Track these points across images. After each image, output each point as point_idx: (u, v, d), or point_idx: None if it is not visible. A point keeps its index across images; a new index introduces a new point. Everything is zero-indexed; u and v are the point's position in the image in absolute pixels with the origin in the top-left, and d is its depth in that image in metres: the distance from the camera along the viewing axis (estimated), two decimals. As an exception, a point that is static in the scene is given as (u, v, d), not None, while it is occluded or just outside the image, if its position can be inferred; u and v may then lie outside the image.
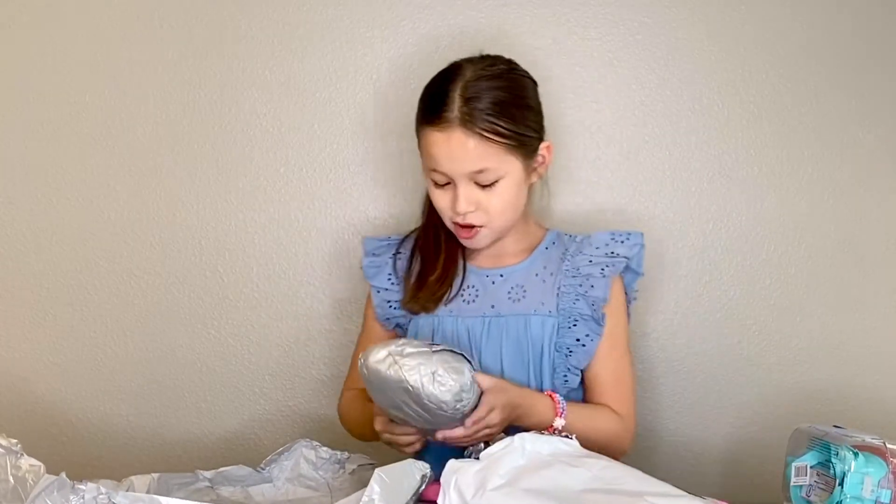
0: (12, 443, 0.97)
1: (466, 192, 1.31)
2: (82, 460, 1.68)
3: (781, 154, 1.68)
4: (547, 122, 1.66)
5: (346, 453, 1.27)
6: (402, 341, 1.17)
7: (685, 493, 1.02)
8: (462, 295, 1.42)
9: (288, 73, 1.67)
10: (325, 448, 1.27)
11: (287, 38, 1.67)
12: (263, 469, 1.25)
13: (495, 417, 1.20)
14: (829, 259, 1.69)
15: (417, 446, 1.26)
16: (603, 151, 1.68)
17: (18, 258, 1.69)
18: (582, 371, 1.39)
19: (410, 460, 1.06)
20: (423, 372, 1.13)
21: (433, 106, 1.31)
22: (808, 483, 1.16)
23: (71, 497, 0.90)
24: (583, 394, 1.42)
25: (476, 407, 1.19)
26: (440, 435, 1.20)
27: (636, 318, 1.69)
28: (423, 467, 1.06)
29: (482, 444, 1.14)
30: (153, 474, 1.18)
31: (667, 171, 1.68)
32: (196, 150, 1.68)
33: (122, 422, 1.70)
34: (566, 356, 1.38)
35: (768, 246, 1.69)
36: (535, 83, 1.39)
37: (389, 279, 1.46)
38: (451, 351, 1.18)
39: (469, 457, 1.10)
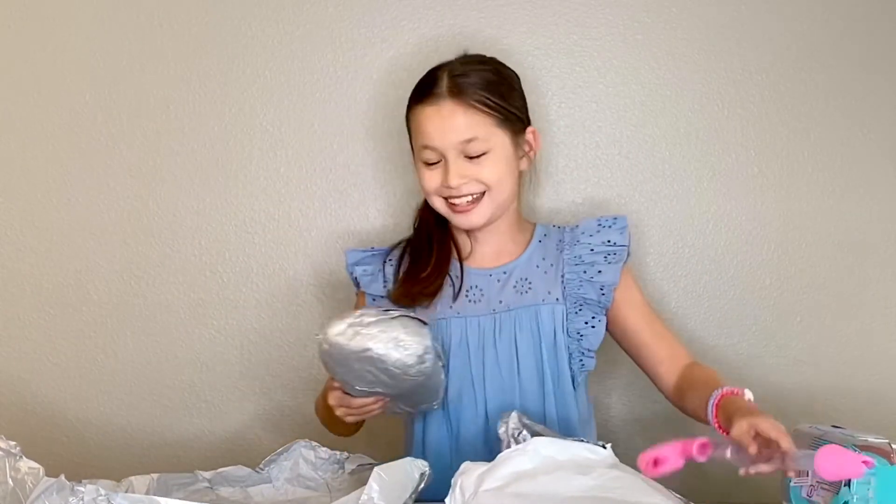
0: (11, 445, 0.98)
1: (457, 165, 1.35)
2: (82, 460, 1.68)
3: (781, 154, 1.68)
4: (547, 123, 1.67)
5: (346, 453, 1.27)
6: (358, 312, 1.19)
7: None
8: (467, 296, 1.43)
9: (288, 73, 1.67)
10: (324, 448, 1.27)
11: (287, 38, 1.67)
12: (262, 469, 1.25)
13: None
14: (829, 259, 1.69)
15: (377, 412, 1.30)
16: (603, 151, 1.68)
17: (18, 258, 1.69)
18: (594, 352, 1.43)
19: (409, 458, 1.06)
20: (386, 339, 1.15)
21: (423, 87, 1.39)
22: (809, 483, 1.16)
23: (70, 499, 0.90)
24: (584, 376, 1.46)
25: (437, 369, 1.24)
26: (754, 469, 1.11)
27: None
28: (422, 466, 1.06)
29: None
30: (152, 475, 1.18)
31: (667, 171, 1.68)
32: (196, 150, 1.68)
33: (122, 422, 1.70)
34: (578, 340, 1.42)
35: (768, 246, 1.69)
36: (518, 76, 1.46)
37: (385, 287, 1.46)
38: (408, 316, 1.20)
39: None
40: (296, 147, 1.68)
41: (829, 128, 1.68)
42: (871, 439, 1.13)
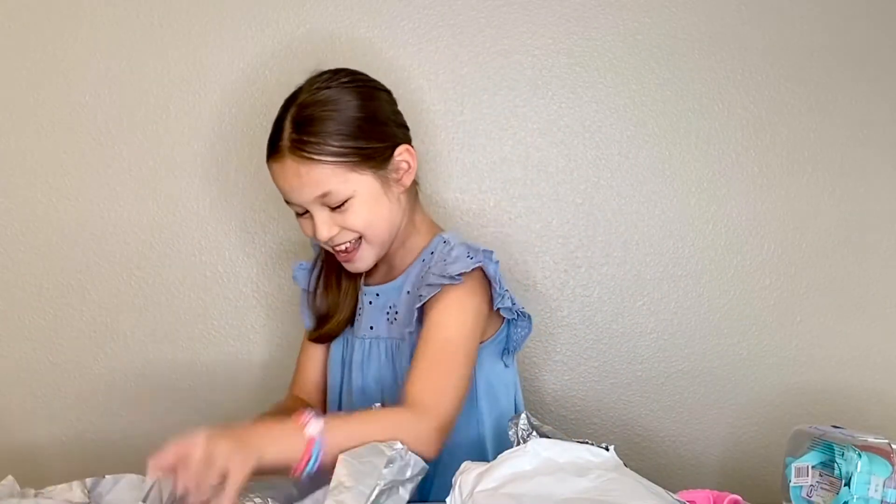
0: None
1: (321, 217, 1.27)
2: (81, 460, 1.68)
3: (781, 154, 1.68)
4: (546, 123, 1.67)
5: None
6: None
7: None
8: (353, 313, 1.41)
9: (289, 74, 1.66)
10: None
11: (287, 38, 1.67)
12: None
13: (198, 449, 1.05)
14: (829, 259, 1.69)
15: None
16: (603, 151, 1.68)
17: (18, 258, 1.69)
18: None
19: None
20: None
21: (271, 137, 1.28)
22: (809, 483, 1.16)
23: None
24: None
25: None
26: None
27: (638, 318, 1.69)
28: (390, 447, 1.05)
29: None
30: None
31: (667, 171, 1.68)
32: (196, 150, 1.68)
33: (122, 422, 1.70)
34: None
35: (768, 246, 1.69)
36: (386, 91, 1.35)
37: (311, 286, 1.46)
38: None
39: None
40: (296, 147, 1.68)
41: (829, 128, 1.68)
42: (871, 439, 1.12)
